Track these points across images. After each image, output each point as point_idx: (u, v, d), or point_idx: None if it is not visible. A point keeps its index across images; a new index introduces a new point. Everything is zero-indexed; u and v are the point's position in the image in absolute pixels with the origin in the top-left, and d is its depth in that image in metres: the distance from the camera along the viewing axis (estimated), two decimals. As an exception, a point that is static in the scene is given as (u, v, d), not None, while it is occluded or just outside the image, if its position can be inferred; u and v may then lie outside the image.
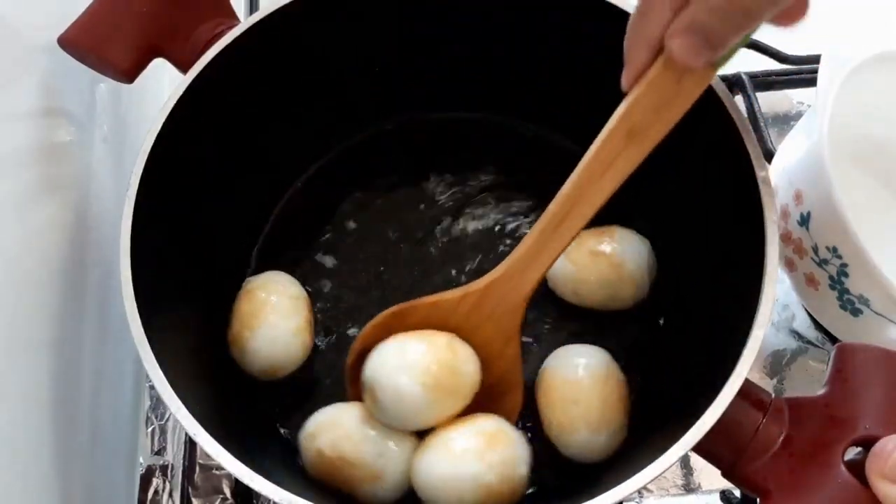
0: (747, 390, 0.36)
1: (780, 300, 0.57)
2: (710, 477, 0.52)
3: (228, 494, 0.51)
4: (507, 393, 0.44)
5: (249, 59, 0.47)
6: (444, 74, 0.53)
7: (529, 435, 0.45)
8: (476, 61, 0.53)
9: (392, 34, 0.51)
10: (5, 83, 0.44)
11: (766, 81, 0.63)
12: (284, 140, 0.53)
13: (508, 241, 0.54)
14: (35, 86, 0.47)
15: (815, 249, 0.46)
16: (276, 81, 0.50)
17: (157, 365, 0.37)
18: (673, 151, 0.49)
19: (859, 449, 0.34)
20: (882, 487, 0.31)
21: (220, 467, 0.51)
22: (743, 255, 0.40)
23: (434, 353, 0.41)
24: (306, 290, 0.50)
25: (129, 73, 0.47)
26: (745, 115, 0.45)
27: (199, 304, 0.48)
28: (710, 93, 0.42)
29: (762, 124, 0.59)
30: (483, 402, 0.43)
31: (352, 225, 0.55)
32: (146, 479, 0.53)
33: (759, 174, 0.39)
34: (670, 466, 0.34)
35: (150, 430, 0.54)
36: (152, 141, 0.42)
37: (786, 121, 0.65)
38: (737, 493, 0.50)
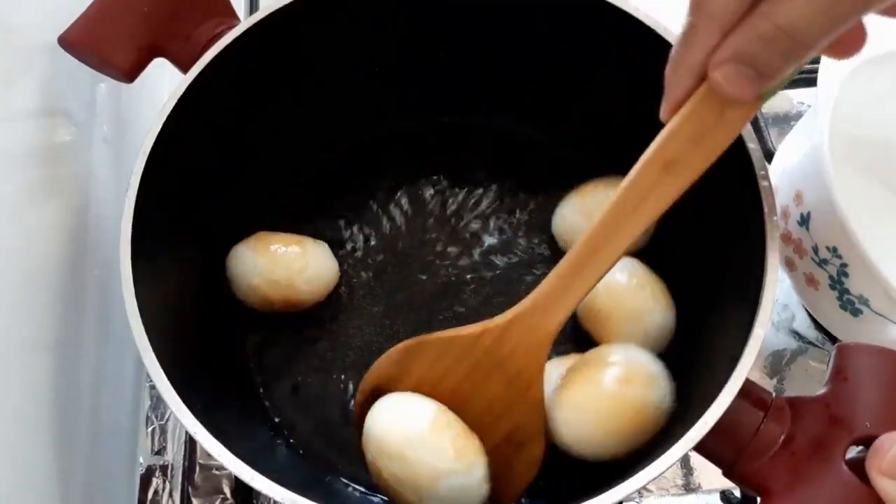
0: (748, 390, 0.36)
1: (780, 300, 0.57)
2: (710, 476, 0.52)
3: (228, 494, 0.51)
4: (527, 443, 0.41)
5: (249, 59, 0.47)
6: (444, 75, 0.53)
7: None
8: (477, 63, 0.53)
9: (392, 34, 0.51)
10: (5, 83, 0.43)
11: (766, 81, 0.63)
12: (284, 140, 0.53)
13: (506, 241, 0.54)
14: (35, 86, 0.46)
15: (816, 249, 0.46)
16: (276, 81, 0.50)
17: (157, 364, 0.37)
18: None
19: (860, 448, 0.34)
20: (881, 483, 0.31)
21: (220, 467, 0.51)
22: (743, 255, 0.40)
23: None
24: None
25: (129, 73, 0.47)
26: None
27: (200, 304, 0.48)
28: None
29: (762, 124, 0.60)
30: (500, 452, 0.41)
31: (351, 225, 0.55)
32: (146, 479, 0.53)
33: (760, 174, 0.39)
34: (671, 466, 0.34)
35: (150, 430, 0.54)
36: (152, 141, 0.42)
37: (786, 121, 0.65)
38: (737, 492, 0.50)
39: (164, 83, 0.62)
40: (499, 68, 0.53)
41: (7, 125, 0.43)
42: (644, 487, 0.37)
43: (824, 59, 0.47)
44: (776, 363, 0.56)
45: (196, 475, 0.52)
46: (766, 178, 0.39)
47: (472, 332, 0.40)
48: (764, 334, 0.36)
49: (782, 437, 0.35)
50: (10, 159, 0.43)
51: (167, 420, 0.55)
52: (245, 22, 0.46)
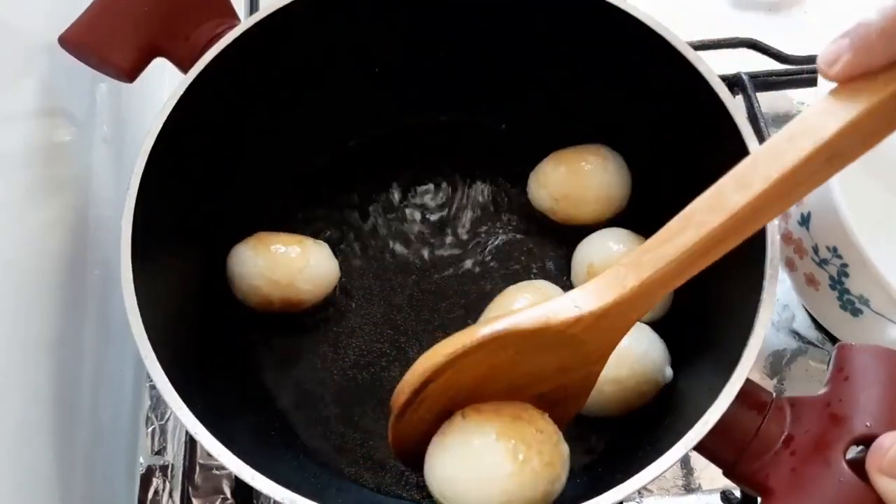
0: (748, 390, 0.36)
1: (780, 300, 0.57)
2: (710, 477, 0.52)
3: (229, 494, 0.51)
4: (567, 400, 0.40)
5: (250, 59, 0.47)
6: (444, 75, 0.53)
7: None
8: (477, 63, 0.53)
9: (392, 34, 0.51)
10: (5, 83, 0.43)
11: (766, 81, 0.63)
12: (284, 140, 0.53)
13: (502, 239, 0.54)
14: (35, 85, 0.46)
15: (816, 249, 0.46)
16: (276, 81, 0.50)
17: (157, 364, 0.37)
18: (672, 152, 0.49)
19: (861, 448, 0.34)
20: (881, 482, 0.31)
21: (220, 467, 0.51)
22: (743, 255, 0.40)
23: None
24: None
25: (129, 73, 0.47)
26: (746, 115, 0.45)
27: (200, 304, 0.48)
28: (710, 93, 0.42)
29: (762, 124, 0.60)
30: (543, 396, 0.39)
31: (352, 225, 0.55)
32: (146, 479, 0.53)
33: (760, 174, 0.39)
34: (671, 466, 0.34)
35: (150, 430, 0.54)
36: (152, 141, 0.42)
37: (786, 121, 0.63)
38: (737, 492, 0.49)
39: (164, 83, 0.62)
40: (499, 68, 0.53)
41: (7, 125, 0.43)
42: (644, 487, 0.37)
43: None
44: (776, 363, 0.56)
45: (196, 475, 0.52)
46: (767, 178, 0.39)
47: (566, 319, 0.35)
48: (764, 334, 0.36)
49: (783, 437, 0.35)
50: (10, 159, 0.43)
51: (167, 420, 0.55)
52: (245, 22, 0.46)
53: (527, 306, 0.37)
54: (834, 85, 0.33)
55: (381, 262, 0.54)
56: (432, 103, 0.55)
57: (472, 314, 0.51)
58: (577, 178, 0.51)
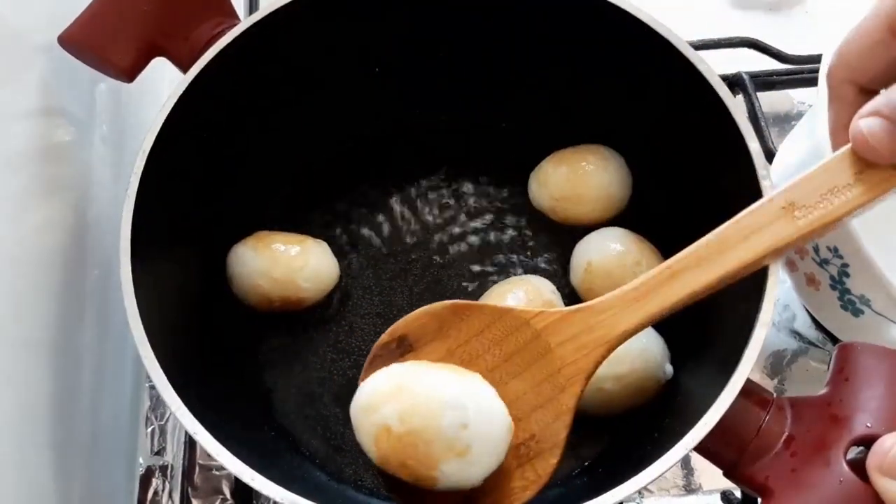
0: (749, 390, 0.36)
1: (780, 300, 0.57)
2: (710, 477, 0.52)
3: (228, 495, 0.51)
4: (536, 457, 0.37)
5: (249, 59, 0.47)
6: (444, 75, 0.53)
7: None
8: (477, 63, 0.53)
9: (392, 34, 0.51)
10: (5, 83, 0.43)
11: (767, 81, 0.63)
12: (284, 140, 0.53)
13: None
14: (35, 85, 0.46)
15: (816, 249, 0.46)
16: (276, 81, 0.50)
17: (157, 364, 0.37)
18: (673, 152, 0.49)
19: (861, 448, 0.34)
20: (881, 483, 0.31)
21: (220, 467, 0.51)
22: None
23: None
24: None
25: (129, 72, 0.47)
26: (746, 114, 0.45)
27: (200, 303, 0.48)
28: (710, 92, 0.42)
29: (763, 124, 0.60)
30: (518, 449, 0.37)
31: (352, 224, 0.55)
32: (146, 480, 0.53)
33: (760, 174, 0.39)
34: (671, 466, 0.34)
35: (149, 430, 0.54)
36: (152, 140, 0.42)
37: (787, 121, 0.65)
38: (738, 493, 0.49)
39: (163, 83, 0.62)
40: (499, 68, 0.53)
41: (6, 125, 0.43)
42: (645, 488, 0.37)
43: (825, 59, 0.47)
44: (777, 363, 0.56)
45: (196, 475, 0.52)
46: (767, 177, 0.39)
47: (528, 309, 0.37)
48: (765, 334, 0.36)
49: (783, 438, 0.35)
50: (10, 159, 0.43)
51: (167, 420, 0.55)
52: (245, 21, 0.46)
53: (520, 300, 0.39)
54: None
55: (381, 261, 0.54)
56: (432, 103, 0.55)
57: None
58: (577, 178, 0.51)
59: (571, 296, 0.51)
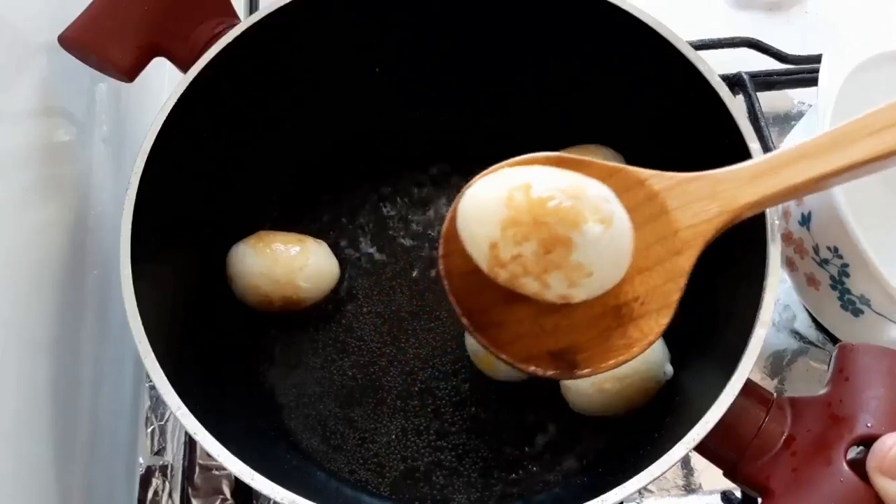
0: (749, 390, 0.36)
1: (780, 300, 0.57)
2: (710, 477, 0.51)
3: (228, 495, 0.51)
4: (642, 317, 0.35)
5: (249, 59, 0.47)
6: (444, 75, 0.53)
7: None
8: (477, 63, 0.53)
9: (392, 35, 0.51)
10: (5, 82, 0.43)
11: (767, 81, 0.63)
12: (284, 140, 0.53)
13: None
14: (35, 85, 0.46)
15: (816, 249, 0.46)
16: (276, 81, 0.50)
17: (157, 364, 0.37)
18: (673, 153, 0.49)
19: (861, 448, 0.34)
20: (881, 483, 0.31)
21: (220, 467, 0.51)
22: (744, 255, 0.40)
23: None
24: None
25: (129, 72, 0.47)
26: (746, 114, 0.45)
27: (200, 303, 0.48)
28: (710, 93, 0.42)
29: (763, 124, 0.60)
30: (604, 319, 0.35)
31: (352, 224, 0.55)
32: (146, 480, 0.52)
33: (761, 174, 0.39)
34: (672, 466, 0.34)
35: (150, 430, 0.54)
36: (152, 141, 0.42)
37: (787, 120, 0.65)
38: (738, 493, 0.49)
39: (163, 83, 0.62)
40: (499, 68, 0.53)
41: (7, 125, 0.43)
42: (645, 488, 0.37)
43: (825, 59, 0.47)
44: (777, 363, 0.56)
45: (196, 475, 0.52)
46: (768, 177, 0.39)
47: (642, 169, 0.35)
48: (765, 334, 0.36)
49: (783, 438, 0.35)
50: (10, 159, 0.43)
51: (167, 420, 0.55)
52: (245, 21, 0.46)
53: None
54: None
55: (381, 261, 0.54)
56: (432, 103, 0.55)
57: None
58: None
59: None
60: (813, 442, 0.34)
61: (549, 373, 0.35)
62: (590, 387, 0.45)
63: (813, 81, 0.46)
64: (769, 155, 0.35)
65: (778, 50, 0.64)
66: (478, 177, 0.35)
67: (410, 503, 0.47)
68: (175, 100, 0.43)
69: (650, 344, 0.35)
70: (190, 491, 0.51)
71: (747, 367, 0.36)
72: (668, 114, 0.47)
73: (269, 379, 0.51)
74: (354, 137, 0.57)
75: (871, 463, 0.32)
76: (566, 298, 0.32)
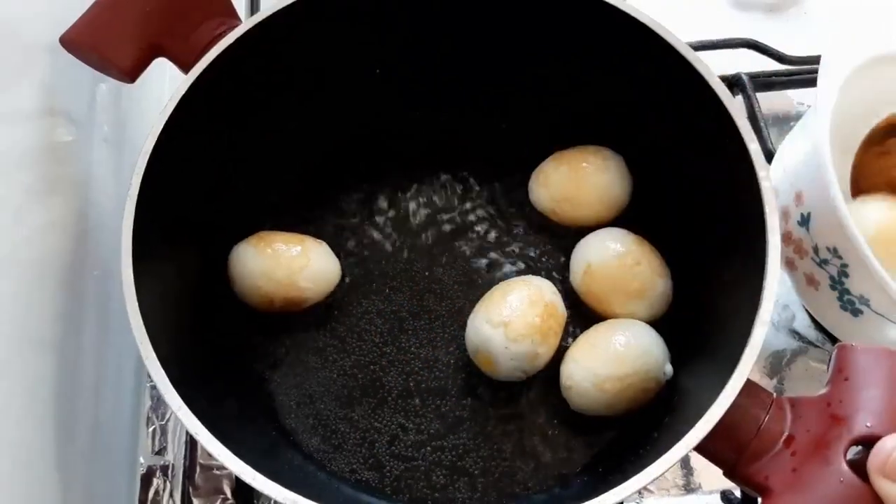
0: (749, 390, 0.36)
1: (780, 300, 0.57)
2: (710, 477, 0.52)
3: (229, 494, 0.51)
4: None
5: (250, 60, 0.47)
6: (444, 75, 0.53)
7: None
8: (477, 63, 0.53)
9: (393, 35, 0.51)
10: (6, 83, 0.44)
11: (766, 82, 0.63)
12: (285, 140, 0.53)
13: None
14: (36, 86, 0.47)
15: (816, 250, 0.46)
16: (277, 82, 0.50)
17: (158, 364, 0.37)
18: (673, 153, 0.49)
19: (861, 448, 0.34)
20: (882, 485, 0.31)
21: (220, 467, 0.51)
22: (744, 255, 0.40)
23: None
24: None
25: (130, 73, 0.47)
26: (746, 115, 0.45)
27: (201, 303, 0.48)
28: (710, 93, 0.42)
29: (762, 124, 0.60)
30: None
31: (353, 224, 0.55)
32: (147, 479, 0.52)
33: (760, 174, 0.39)
34: (672, 466, 0.34)
35: (150, 430, 0.54)
36: (153, 141, 0.42)
37: (786, 121, 0.65)
38: (737, 493, 0.50)
39: (165, 83, 0.62)
40: (499, 68, 0.53)
41: (7, 125, 0.43)
42: (645, 488, 0.37)
43: (824, 59, 0.47)
44: (776, 363, 0.56)
45: (197, 475, 0.52)
46: (767, 178, 0.39)
47: None
48: (764, 334, 0.36)
49: (783, 438, 0.35)
50: (10, 159, 0.43)
51: (168, 420, 0.55)
52: (246, 22, 0.46)
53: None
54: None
55: (382, 261, 0.54)
56: (432, 103, 0.55)
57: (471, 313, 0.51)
58: (578, 179, 0.51)
59: (572, 296, 0.51)
60: (812, 442, 0.34)
61: None
62: (590, 387, 0.45)
63: (812, 82, 0.46)
64: None
65: (777, 51, 0.64)
66: None
67: (410, 503, 0.47)
68: (176, 100, 0.44)
69: None
70: (191, 491, 0.51)
71: (747, 367, 0.36)
72: (668, 114, 0.47)
73: (270, 379, 0.51)
74: (355, 137, 0.57)
75: (873, 465, 0.32)
76: None
